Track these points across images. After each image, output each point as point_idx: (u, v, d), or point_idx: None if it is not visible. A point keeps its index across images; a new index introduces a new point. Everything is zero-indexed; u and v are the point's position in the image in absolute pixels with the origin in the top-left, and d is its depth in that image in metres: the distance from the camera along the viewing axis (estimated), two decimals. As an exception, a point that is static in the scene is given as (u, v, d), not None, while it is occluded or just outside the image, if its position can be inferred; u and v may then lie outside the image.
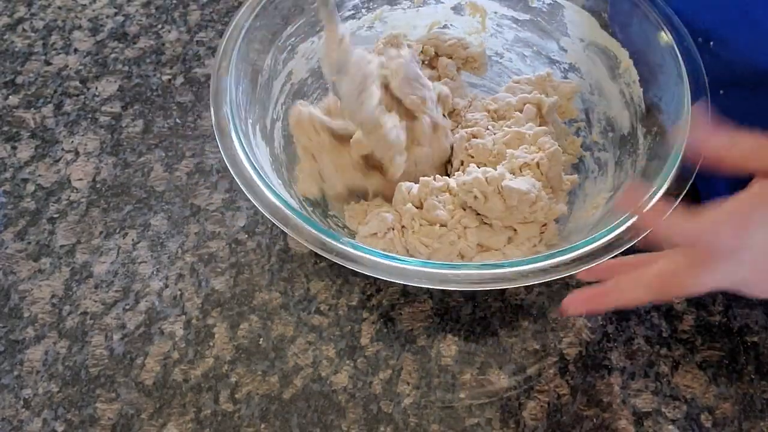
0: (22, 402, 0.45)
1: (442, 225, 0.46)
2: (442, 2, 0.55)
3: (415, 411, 0.44)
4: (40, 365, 0.46)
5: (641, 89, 0.48)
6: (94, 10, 0.68)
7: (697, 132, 0.40)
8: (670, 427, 0.44)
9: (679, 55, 0.44)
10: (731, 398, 0.44)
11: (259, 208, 0.40)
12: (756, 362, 0.46)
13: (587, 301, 0.39)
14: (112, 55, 0.64)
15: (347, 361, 0.46)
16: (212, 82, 0.44)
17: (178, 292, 0.49)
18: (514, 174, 0.47)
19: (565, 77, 0.55)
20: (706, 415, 0.44)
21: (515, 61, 0.57)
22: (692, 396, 0.45)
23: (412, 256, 0.45)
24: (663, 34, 0.46)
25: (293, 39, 0.51)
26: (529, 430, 0.44)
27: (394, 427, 0.44)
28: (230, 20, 0.47)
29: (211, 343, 0.47)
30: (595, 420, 0.44)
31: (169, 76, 0.62)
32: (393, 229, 0.45)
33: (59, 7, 0.68)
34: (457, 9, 0.56)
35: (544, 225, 0.47)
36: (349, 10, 0.53)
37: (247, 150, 0.42)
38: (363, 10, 0.54)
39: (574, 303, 0.40)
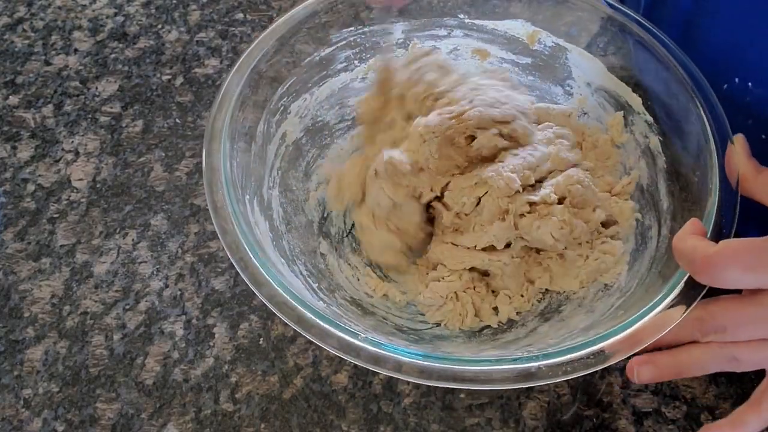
0: (22, 402, 0.45)
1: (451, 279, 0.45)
2: (438, 48, 0.52)
3: (415, 411, 0.44)
4: (40, 365, 0.46)
5: (659, 139, 0.45)
6: (94, 10, 0.68)
7: (743, 166, 0.38)
8: (670, 427, 0.44)
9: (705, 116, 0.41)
10: (731, 398, 0.44)
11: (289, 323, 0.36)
12: (756, 362, 0.46)
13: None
14: (112, 55, 0.64)
15: (347, 361, 0.46)
16: (205, 161, 0.41)
17: (178, 292, 0.49)
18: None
19: None
20: (706, 415, 0.44)
21: None
22: (692, 396, 0.45)
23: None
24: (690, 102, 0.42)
25: (285, 99, 0.48)
26: (529, 430, 0.44)
27: (394, 427, 0.44)
28: (218, 89, 0.44)
29: (211, 343, 0.47)
30: (595, 420, 0.44)
31: (169, 76, 0.62)
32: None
33: (59, 7, 0.68)
34: (453, 53, 0.53)
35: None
36: (341, 62, 0.51)
37: (259, 255, 0.38)
38: (356, 62, 0.51)
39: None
